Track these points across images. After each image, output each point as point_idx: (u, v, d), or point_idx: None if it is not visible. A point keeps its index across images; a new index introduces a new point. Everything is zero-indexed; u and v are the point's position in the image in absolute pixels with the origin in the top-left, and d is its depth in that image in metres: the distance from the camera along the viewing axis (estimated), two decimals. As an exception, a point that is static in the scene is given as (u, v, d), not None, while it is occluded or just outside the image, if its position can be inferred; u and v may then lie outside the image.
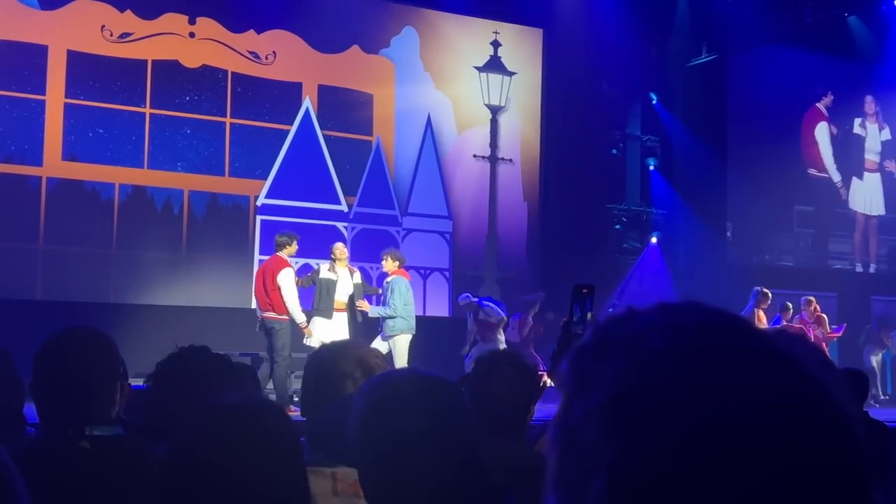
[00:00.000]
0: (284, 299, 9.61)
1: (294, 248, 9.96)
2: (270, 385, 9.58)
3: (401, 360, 9.85)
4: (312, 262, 10.36)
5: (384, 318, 10.17)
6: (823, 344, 12.73)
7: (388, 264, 10.38)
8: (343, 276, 10.13)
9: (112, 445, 2.30)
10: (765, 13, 14.59)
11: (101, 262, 12.05)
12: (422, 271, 13.94)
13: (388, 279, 10.34)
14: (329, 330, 9.69)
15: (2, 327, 10.21)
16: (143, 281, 12.20)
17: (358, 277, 10.32)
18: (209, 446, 1.57)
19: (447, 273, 14.12)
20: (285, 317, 9.69)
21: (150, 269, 12.28)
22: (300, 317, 9.75)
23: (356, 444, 1.64)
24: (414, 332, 10.31)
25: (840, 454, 0.64)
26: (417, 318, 13.42)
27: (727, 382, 0.64)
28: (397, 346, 10.06)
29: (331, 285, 10.01)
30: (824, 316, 13.01)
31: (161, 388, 2.36)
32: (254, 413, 1.64)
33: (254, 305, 11.81)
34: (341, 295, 10.06)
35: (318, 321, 9.93)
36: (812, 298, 13.15)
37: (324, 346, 2.44)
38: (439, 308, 13.99)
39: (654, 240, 15.53)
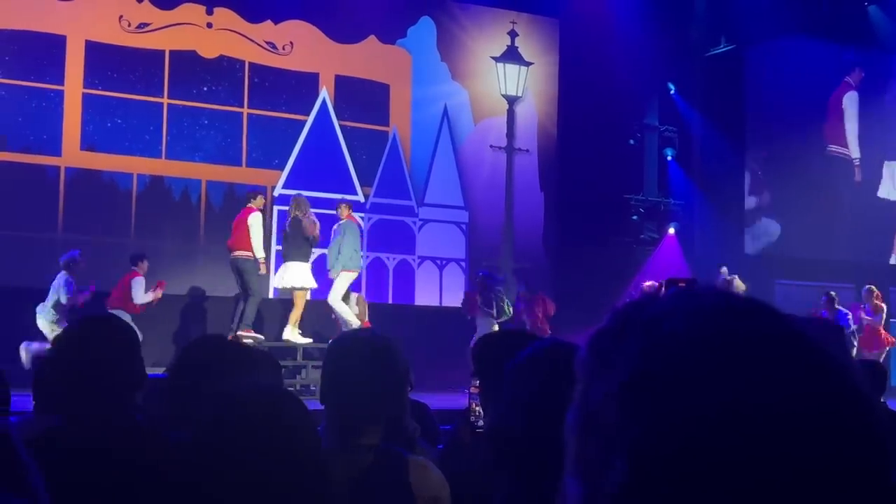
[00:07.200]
0: (251, 235, 10.60)
1: (261, 201, 11.19)
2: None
3: (336, 294, 10.82)
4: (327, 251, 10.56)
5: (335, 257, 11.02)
6: (881, 329, 12.76)
7: (344, 211, 11.28)
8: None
9: (131, 433, 2.31)
10: (783, 2, 14.48)
11: (118, 252, 12.09)
12: (438, 262, 13.93)
13: (341, 222, 11.15)
14: (297, 273, 10.70)
15: (21, 316, 10.28)
16: (160, 270, 12.24)
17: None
18: (227, 432, 1.58)
19: (463, 263, 14.11)
20: (250, 254, 10.64)
21: (168, 258, 12.33)
22: (261, 252, 10.71)
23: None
24: (358, 272, 11.33)
25: (863, 440, 0.63)
26: (433, 308, 13.48)
27: (751, 364, 0.63)
28: (339, 282, 10.88)
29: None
30: (883, 305, 13.07)
31: (180, 376, 2.37)
32: (271, 399, 1.66)
33: (271, 294, 12.01)
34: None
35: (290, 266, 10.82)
36: (873, 287, 13.09)
37: (343, 334, 2.45)
38: (455, 298, 13.96)
39: (671, 230, 15.46)
